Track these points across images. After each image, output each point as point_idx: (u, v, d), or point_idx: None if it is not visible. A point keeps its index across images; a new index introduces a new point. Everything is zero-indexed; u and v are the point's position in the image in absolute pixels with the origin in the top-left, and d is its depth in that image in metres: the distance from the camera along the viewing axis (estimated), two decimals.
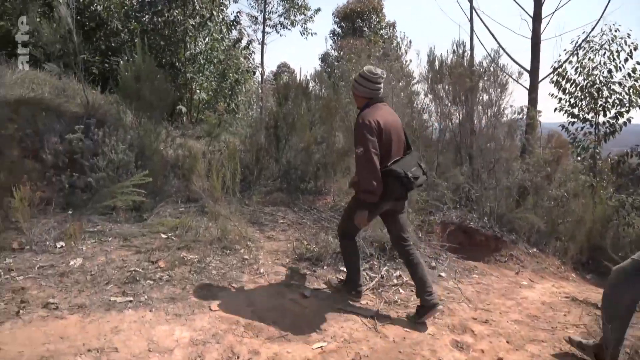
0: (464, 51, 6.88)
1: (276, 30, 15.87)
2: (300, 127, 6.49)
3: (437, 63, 6.89)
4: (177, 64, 9.35)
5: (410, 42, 6.24)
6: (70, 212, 4.16)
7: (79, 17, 8.39)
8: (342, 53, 16.72)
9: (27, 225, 3.32)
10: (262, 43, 14.62)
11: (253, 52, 10.14)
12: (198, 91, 9.48)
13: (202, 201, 4.27)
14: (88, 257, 3.18)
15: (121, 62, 5.66)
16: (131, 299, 2.71)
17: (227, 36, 9.97)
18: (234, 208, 4.28)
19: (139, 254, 3.34)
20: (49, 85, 6.87)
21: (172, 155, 6.14)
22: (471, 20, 7.99)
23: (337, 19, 18.61)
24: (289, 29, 15.86)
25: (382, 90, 2.99)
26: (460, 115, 6.69)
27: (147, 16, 9.44)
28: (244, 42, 10.13)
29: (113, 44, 8.82)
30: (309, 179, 6.40)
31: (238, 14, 10.85)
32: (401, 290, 3.54)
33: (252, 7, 15.63)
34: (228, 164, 5.41)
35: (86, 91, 5.99)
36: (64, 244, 3.28)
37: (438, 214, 5.91)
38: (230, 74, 9.75)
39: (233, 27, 9.99)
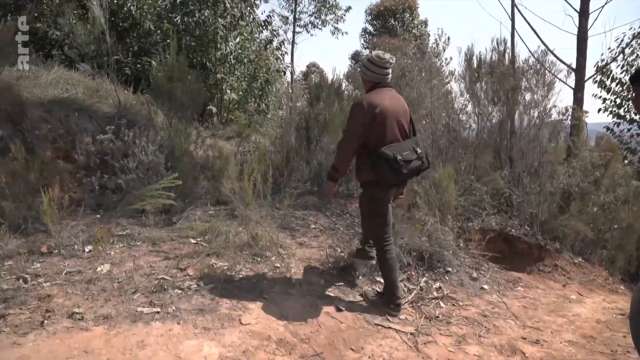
0: (504, 49, 6.55)
1: (306, 29, 15.73)
2: (332, 127, 6.30)
3: (475, 61, 6.59)
4: (207, 64, 9.32)
5: (448, 38, 5.95)
6: (99, 214, 4.11)
7: (112, 18, 8.46)
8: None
9: (56, 228, 3.26)
10: (292, 43, 14.50)
11: (285, 52, 10.02)
12: (228, 91, 9.43)
13: (233, 204, 4.15)
14: (116, 263, 3.08)
15: (153, 62, 5.62)
16: (159, 309, 2.58)
17: (257, 36, 9.88)
18: (265, 212, 4.14)
19: (168, 260, 3.22)
20: (82, 85, 6.91)
21: (202, 156, 6.07)
22: (512, 17, 7.62)
23: (370, 17, 18.32)
24: (320, 29, 15.68)
25: (389, 75, 2.98)
26: (500, 116, 6.36)
27: (178, 17, 9.47)
28: (275, 43, 10.00)
29: (145, 45, 8.85)
30: (341, 181, 6.21)
31: (271, 13, 10.74)
32: (442, 304, 3.30)
33: (282, 6, 15.52)
34: (259, 166, 5.29)
35: (118, 92, 5.96)
36: (92, 248, 3.19)
37: (477, 220, 5.61)
38: (261, 74, 9.66)
39: (265, 28, 9.89)
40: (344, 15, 14.97)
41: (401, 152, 2.81)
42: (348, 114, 2.89)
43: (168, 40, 9.49)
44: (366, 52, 19.26)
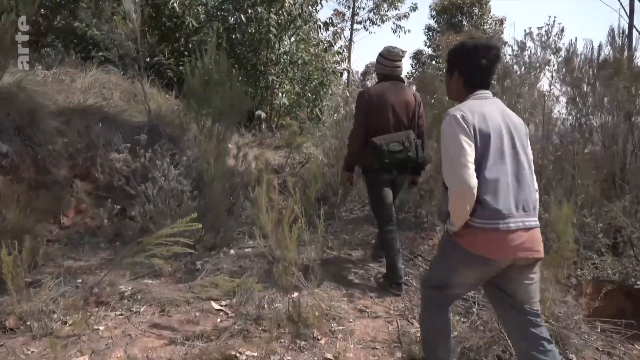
0: (622, 43, 5.14)
1: (364, 27, 14.61)
2: None
3: (579, 59, 5.23)
4: (258, 65, 8.49)
5: (562, 30, 4.66)
6: (112, 250, 3.28)
7: (155, 16, 7.82)
8: (440, 50, 15.05)
9: (25, 294, 2.40)
10: (350, 41, 13.45)
11: (345, 57, 8.98)
12: (280, 94, 8.55)
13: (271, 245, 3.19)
14: (99, 351, 2.17)
15: (187, 64, 4.81)
16: None
17: (316, 37, 8.91)
18: (313, 256, 3.14)
19: (174, 346, 2.28)
20: (120, 89, 6.25)
21: (244, 171, 5.17)
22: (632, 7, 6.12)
23: (434, 13, 16.89)
24: (379, 25, 14.51)
25: (400, 68, 3.13)
26: (617, 129, 4.97)
27: (227, 13, 8.71)
28: (336, 47, 9.00)
29: (191, 44, 8.14)
30: (409, 207, 5.09)
31: (335, 12, 9.74)
32: None
33: (339, 2, 14.45)
34: (312, 185, 4.32)
35: (147, 97, 5.18)
36: (72, 322, 2.32)
37: (588, 266, 4.30)
38: (315, 76, 8.69)
39: (326, 29, 8.91)
40: (408, 13, 13.72)
41: (388, 143, 2.95)
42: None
43: (219, 40, 8.81)
44: (428, 51, 17.85)
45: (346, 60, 9.00)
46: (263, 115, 8.21)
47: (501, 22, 16.61)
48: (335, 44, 9.18)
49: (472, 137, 1.77)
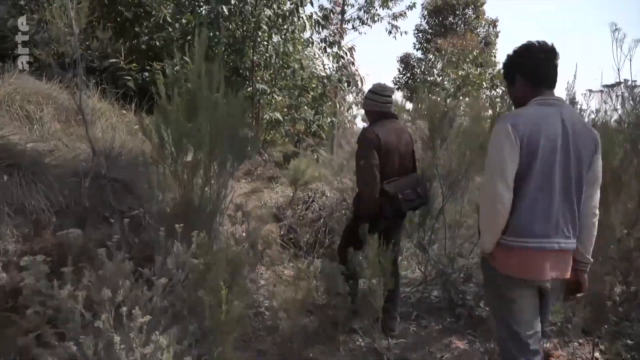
0: None
1: (353, 27, 13.00)
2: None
3: None
4: (242, 70, 6.73)
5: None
6: None
7: (109, 3, 5.91)
8: (434, 55, 13.73)
9: None
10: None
11: (348, 61, 7.32)
12: (269, 107, 6.79)
13: None
14: None
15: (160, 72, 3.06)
16: None
17: (311, 35, 7.27)
18: None
19: None
20: (53, 105, 4.36)
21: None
22: None
23: (425, 14, 15.52)
24: (370, 26, 12.94)
25: (391, 105, 3.01)
26: None
27: (203, 4, 6.90)
28: (337, 48, 7.33)
29: (157, 43, 6.26)
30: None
31: (334, 6, 8.10)
32: None
33: None
34: None
35: (88, 127, 3.35)
36: None
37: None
38: (314, 84, 7.01)
39: (322, 27, 7.24)
40: (405, 12, 12.27)
41: (402, 191, 2.84)
42: (357, 149, 2.90)
43: (189, 37, 6.96)
44: (418, 53, 16.51)
45: (350, 66, 7.35)
46: (250, 134, 6.44)
47: (494, 24, 15.48)
48: (334, 45, 7.52)
49: (517, 149, 1.69)
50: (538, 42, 1.83)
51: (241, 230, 3.81)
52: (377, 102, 2.95)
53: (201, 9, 6.98)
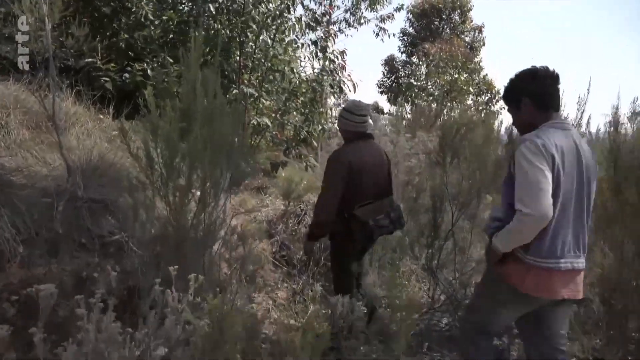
0: None
1: (339, 29, 12.73)
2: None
3: None
4: (228, 72, 6.36)
5: None
6: None
7: None
8: (422, 60, 13.55)
9: None
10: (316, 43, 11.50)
11: (340, 65, 6.98)
12: (255, 112, 6.44)
13: None
14: None
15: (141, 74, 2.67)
16: None
17: (302, 36, 6.96)
18: None
19: None
20: (21, 109, 3.93)
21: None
22: None
23: (411, 17, 15.32)
24: (356, 28, 12.70)
25: (366, 124, 2.81)
26: None
27: (188, 3, 6.51)
28: (330, 50, 7.01)
29: (139, 42, 5.83)
30: None
31: (326, 9, 7.81)
32: None
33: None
34: None
35: (61, 142, 2.95)
36: None
37: None
38: (304, 89, 6.70)
39: (312, 28, 6.94)
40: (392, 14, 12.06)
41: (374, 217, 2.73)
42: (325, 169, 2.80)
43: (171, 36, 6.55)
44: (403, 56, 16.32)
45: (342, 70, 7.04)
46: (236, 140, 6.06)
47: (480, 29, 15.40)
48: (327, 47, 7.21)
49: (550, 167, 1.71)
50: (543, 67, 1.89)
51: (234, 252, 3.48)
52: (351, 121, 2.78)
53: (183, 5, 6.59)
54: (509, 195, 1.82)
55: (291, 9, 6.15)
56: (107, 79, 5.07)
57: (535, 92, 1.87)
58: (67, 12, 5.32)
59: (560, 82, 1.89)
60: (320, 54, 7.16)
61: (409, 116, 9.75)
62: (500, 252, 1.83)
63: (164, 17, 6.06)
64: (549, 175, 1.71)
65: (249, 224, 4.31)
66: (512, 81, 1.96)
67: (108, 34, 5.90)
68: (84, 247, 2.70)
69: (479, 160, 3.08)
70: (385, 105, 16.77)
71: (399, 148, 4.21)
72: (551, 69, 1.90)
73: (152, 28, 5.66)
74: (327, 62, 7.17)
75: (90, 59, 4.97)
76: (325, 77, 6.63)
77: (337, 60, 7.22)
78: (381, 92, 16.00)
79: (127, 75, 5.14)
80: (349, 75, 6.85)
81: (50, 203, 2.60)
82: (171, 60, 5.90)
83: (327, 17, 7.94)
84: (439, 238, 3.41)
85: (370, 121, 2.89)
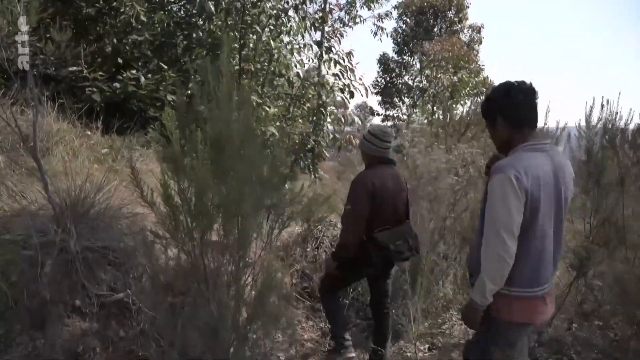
0: None
1: (333, 28, 12.19)
2: None
3: None
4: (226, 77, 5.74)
5: None
6: None
7: None
8: (423, 59, 13.07)
9: None
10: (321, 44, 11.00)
11: (347, 68, 6.44)
12: (258, 119, 5.87)
13: None
14: None
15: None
16: None
17: (303, 38, 6.43)
18: None
19: None
20: None
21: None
22: None
23: (406, 14, 14.77)
24: (351, 27, 12.19)
25: (389, 150, 2.91)
26: None
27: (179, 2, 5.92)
28: (335, 53, 6.49)
29: (128, 47, 5.20)
30: None
31: (332, 6, 7.31)
32: None
33: None
34: None
35: (42, 168, 2.33)
36: None
37: None
38: (311, 94, 6.15)
39: (318, 27, 6.41)
40: (390, 12, 11.56)
41: (394, 242, 2.76)
42: (349, 193, 2.82)
43: (163, 39, 5.91)
44: (395, 56, 15.81)
45: (351, 73, 6.50)
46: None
47: (479, 29, 14.93)
48: (331, 50, 6.68)
49: (522, 202, 1.68)
50: (517, 82, 1.81)
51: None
52: (377, 146, 2.83)
53: (173, 5, 5.99)
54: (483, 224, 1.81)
55: (299, 7, 5.61)
56: (94, 89, 4.43)
57: (508, 110, 1.80)
58: (45, 14, 4.67)
59: (537, 97, 1.80)
60: (325, 56, 6.65)
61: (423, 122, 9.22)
62: (481, 307, 1.76)
63: (154, 18, 5.43)
64: (519, 213, 1.67)
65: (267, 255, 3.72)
66: (487, 97, 1.90)
67: (92, 38, 5.25)
68: (78, 310, 2.11)
69: None
70: (378, 107, 16.30)
71: (436, 162, 3.67)
72: (527, 83, 1.80)
73: (144, 30, 5.03)
74: (332, 64, 6.66)
75: (74, 67, 4.33)
76: (334, 81, 6.10)
77: (344, 61, 6.70)
78: (376, 93, 15.49)
79: (117, 84, 4.50)
80: (361, 79, 6.31)
81: (33, 258, 2.00)
82: (165, 67, 5.31)
83: (333, 14, 7.35)
84: None
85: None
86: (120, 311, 2.27)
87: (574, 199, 2.93)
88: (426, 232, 3.64)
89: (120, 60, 5.01)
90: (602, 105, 3.58)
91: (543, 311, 1.83)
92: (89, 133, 4.24)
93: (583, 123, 3.66)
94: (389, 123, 15.90)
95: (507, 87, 1.82)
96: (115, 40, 5.01)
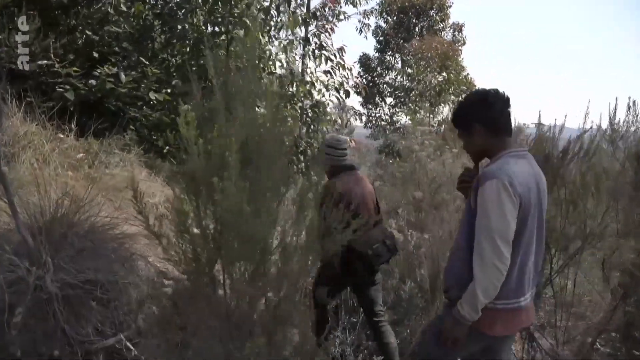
0: None
1: (315, 26, 11.90)
2: None
3: None
4: (208, 80, 5.31)
5: None
6: None
7: None
8: (411, 58, 12.82)
9: None
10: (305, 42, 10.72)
11: (339, 66, 6.11)
12: None
13: None
14: None
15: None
16: None
17: (293, 35, 6.11)
18: None
19: None
20: None
21: None
22: None
23: (387, 12, 14.49)
24: (335, 25, 11.92)
25: (347, 157, 2.92)
26: None
27: None
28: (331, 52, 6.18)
29: (106, 38, 4.69)
30: None
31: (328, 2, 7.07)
32: None
33: None
34: None
35: (7, 184, 1.89)
36: None
37: None
38: (302, 93, 5.79)
39: (309, 22, 6.08)
40: (375, 9, 11.36)
41: (371, 246, 2.70)
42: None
43: (142, 32, 5.41)
44: (374, 54, 15.57)
45: (341, 70, 6.17)
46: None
47: (460, 28, 14.84)
48: (324, 48, 6.35)
49: (517, 208, 1.63)
50: (493, 90, 1.81)
51: None
52: (335, 156, 2.85)
53: None
54: (468, 234, 1.69)
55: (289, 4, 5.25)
56: (66, 86, 3.94)
57: (486, 118, 1.78)
58: (9, 1, 4.14)
59: (510, 105, 1.82)
60: (316, 52, 6.33)
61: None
62: (468, 323, 1.68)
63: (132, 9, 4.94)
64: (514, 220, 1.62)
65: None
66: (461, 105, 1.89)
67: (62, 29, 4.72)
68: None
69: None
70: (360, 107, 16.02)
71: (452, 167, 3.37)
72: (501, 91, 1.81)
73: (122, 21, 4.54)
74: (323, 60, 6.35)
75: (44, 61, 3.83)
76: (327, 79, 5.78)
77: (336, 58, 6.38)
78: (357, 92, 15.15)
79: (93, 81, 4.02)
80: (357, 78, 6.01)
81: None
82: (146, 62, 4.83)
83: (328, 9, 7.04)
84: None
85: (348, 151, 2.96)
86: (108, 357, 1.86)
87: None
88: (444, 243, 3.33)
89: (95, 55, 4.51)
90: (629, 107, 3.35)
91: (523, 321, 1.81)
92: (62, 136, 3.77)
93: (602, 125, 3.42)
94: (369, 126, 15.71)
95: (484, 94, 1.82)
96: (89, 32, 4.50)
